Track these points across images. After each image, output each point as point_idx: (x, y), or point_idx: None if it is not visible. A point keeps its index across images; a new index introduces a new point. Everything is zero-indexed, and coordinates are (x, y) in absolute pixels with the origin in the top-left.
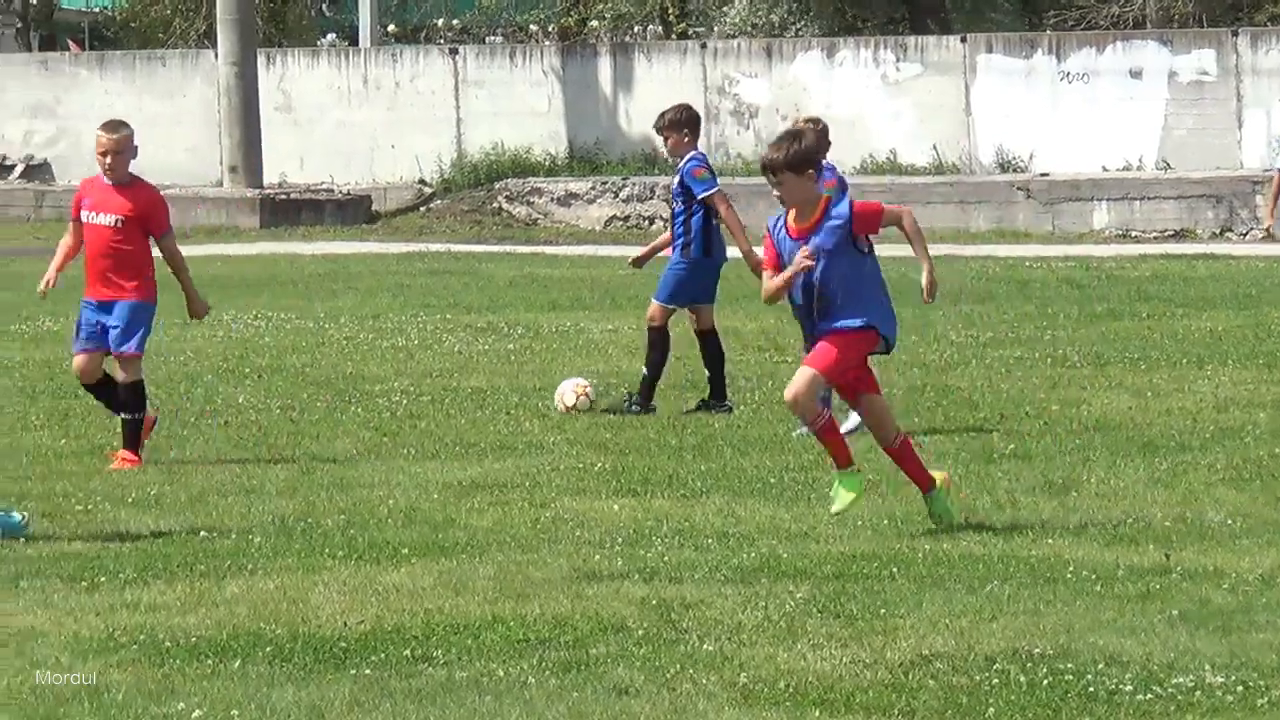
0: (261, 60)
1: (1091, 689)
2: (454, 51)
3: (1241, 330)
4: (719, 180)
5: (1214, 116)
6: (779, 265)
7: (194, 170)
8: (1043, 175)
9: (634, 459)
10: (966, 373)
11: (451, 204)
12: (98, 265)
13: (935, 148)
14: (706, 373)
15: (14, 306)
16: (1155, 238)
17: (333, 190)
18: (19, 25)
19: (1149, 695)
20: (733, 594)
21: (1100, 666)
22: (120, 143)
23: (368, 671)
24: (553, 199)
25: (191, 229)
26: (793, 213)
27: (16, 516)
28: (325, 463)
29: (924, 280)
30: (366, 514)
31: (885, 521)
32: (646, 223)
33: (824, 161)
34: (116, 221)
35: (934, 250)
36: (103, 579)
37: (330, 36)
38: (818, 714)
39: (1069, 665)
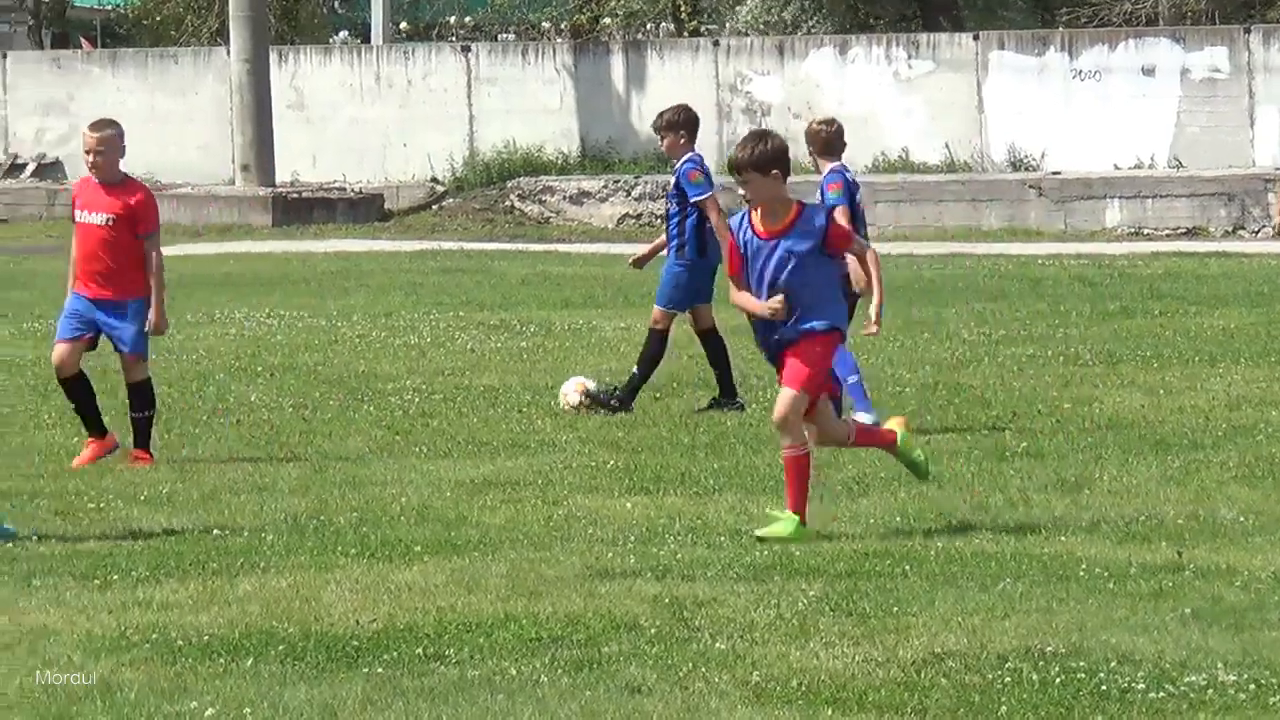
0: (274, 58)
1: (1104, 687)
2: (466, 49)
3: (1254, 328)
4: (720, 182)
5: (1226, 114)
6: (741, 265)
7: (206, 168)
8: (1055, 173)
9: (646, 457)
10: (979, 371)
11: (464, 202)
12: (90, 265)
13: (947, 145)
14: (714, 372)
15: (27, 305)
16: (1167, 235)
17: (345, 188)
18: (31, 23)
19: (1161, 693)
20: (745, 592)
21: (1113, 664)
22: (105, 141)
23: (380, 670)
24: (565, 197)
25: (204, 227)
26: (759, 212)
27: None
28: (337, 461)
29: (872, 310)
30: (379, 512)
31: (897, 519)
32: (659, 221)
33: (836, 164)
34: (107, 220)
35: (946, 249)
36: (115, 577)
37: (342, 34)
38: (830, 712)
39: (1081, 663)
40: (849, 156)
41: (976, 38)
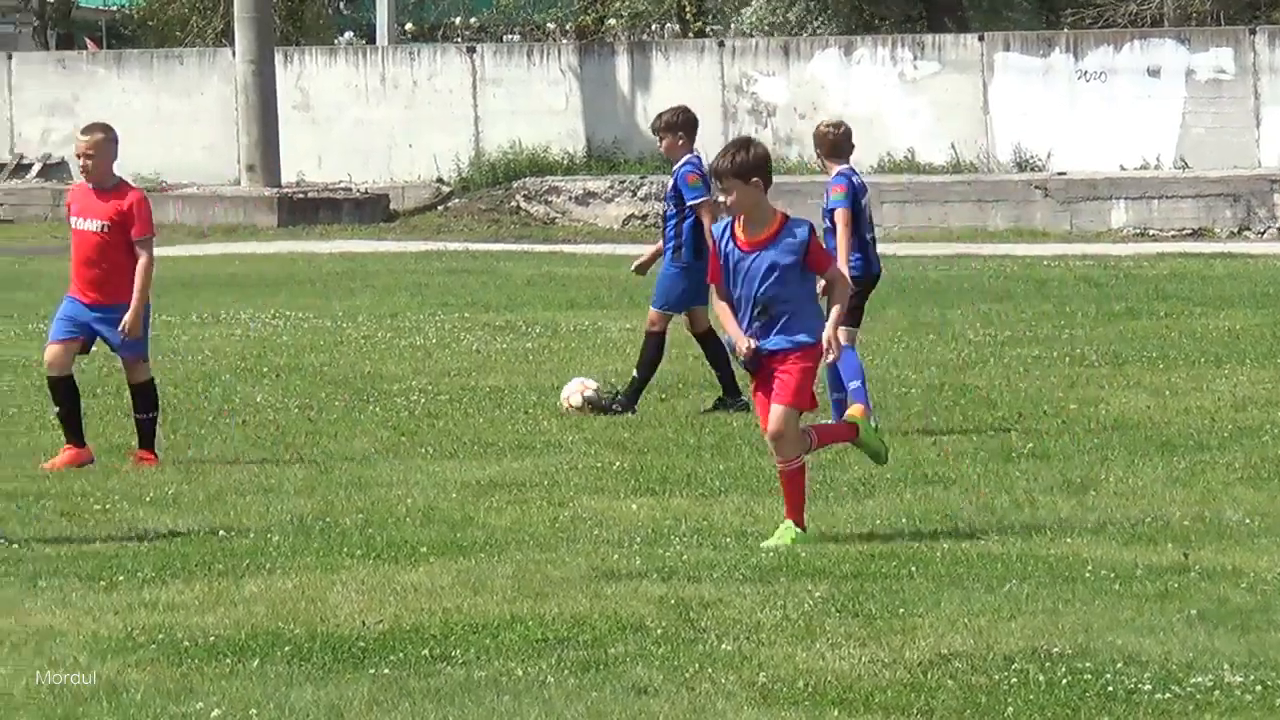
0: (279, 59)
1: (1110, 688)
2: (472, 50)
3: (1259, 329)
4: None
5: (1232, 115)
6: (722, 273)
7: (211, 169)
8: (1060, 174)
9: (652, 458)
10: (985, 372)
11: (469, 203)
12: (87, 271)
13: (953, 146)
14: (715, 372)
15: (32, 305)
16: (1173, 236)
17: (350, 189)
18: (37, 24)
19: (1167, 694)
20: (751, 593)
21: (1119, 666)
22: (95, 145)
23: (386, 671)
24: (571, 198)
25: (209, 228)
26: (741, 222)
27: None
28: (343, 462)
29: (827, 334)
30: (385, 513)
31: (903, 520)
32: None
33: (844, 166)
34: (102, 227)
35: (951, 249)
36: (121, 578)
37: (348, 35)
38: (836, 713)
39: (1087, 664)
40: (855, 157)
41: (982, 39)
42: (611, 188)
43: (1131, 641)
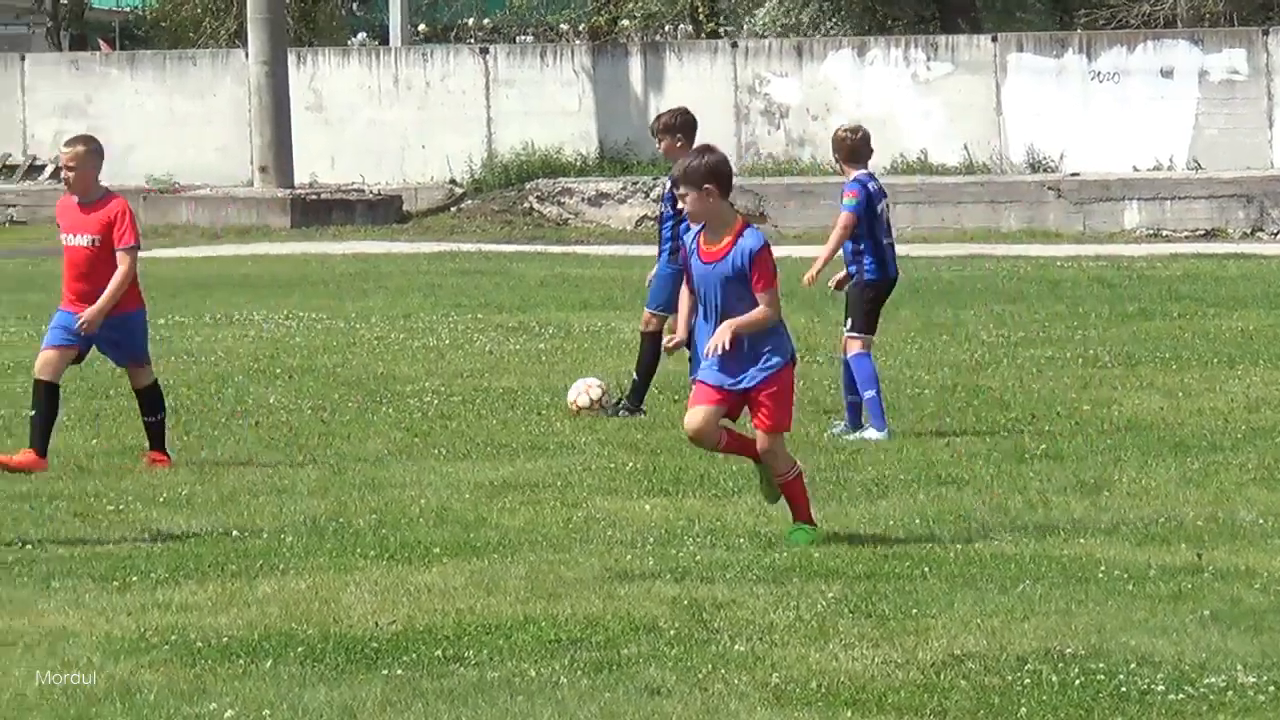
0: (292, 59)
1: (1123, 689)
2: (485, 51)
3: (1273, 330)
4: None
5: (1245, 116)
6: (692, 281)
7: (224, 170)
8: (1073, 175)
9: (665, 459)
10: (998, 373)
11: (482, 204)
12: (80, 285)
13: (966, 147)
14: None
15: (44, 308)
16: (1186, 237)
17: (363, 190)
18: (50, 25)
19: (1181, 695)
20: (764, 594)
21: (1132, 666)
22: (77, 158)
23: (399, 672)
24: (584, 199)
25: (222, 229)
26: (703, 232)
27: None
28: (356, 463)
29: (720, 336)
30: (398, 514)
31: (917, 521)
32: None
33: (861, 171)
34: (91, 241)
35: (965, 250)
36: (134, 579)
37: (361, 36)
38: (849, 714)
39: (1101, 665)
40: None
41: (995, 39)
42: (624, 189)
43: (1145, 642)
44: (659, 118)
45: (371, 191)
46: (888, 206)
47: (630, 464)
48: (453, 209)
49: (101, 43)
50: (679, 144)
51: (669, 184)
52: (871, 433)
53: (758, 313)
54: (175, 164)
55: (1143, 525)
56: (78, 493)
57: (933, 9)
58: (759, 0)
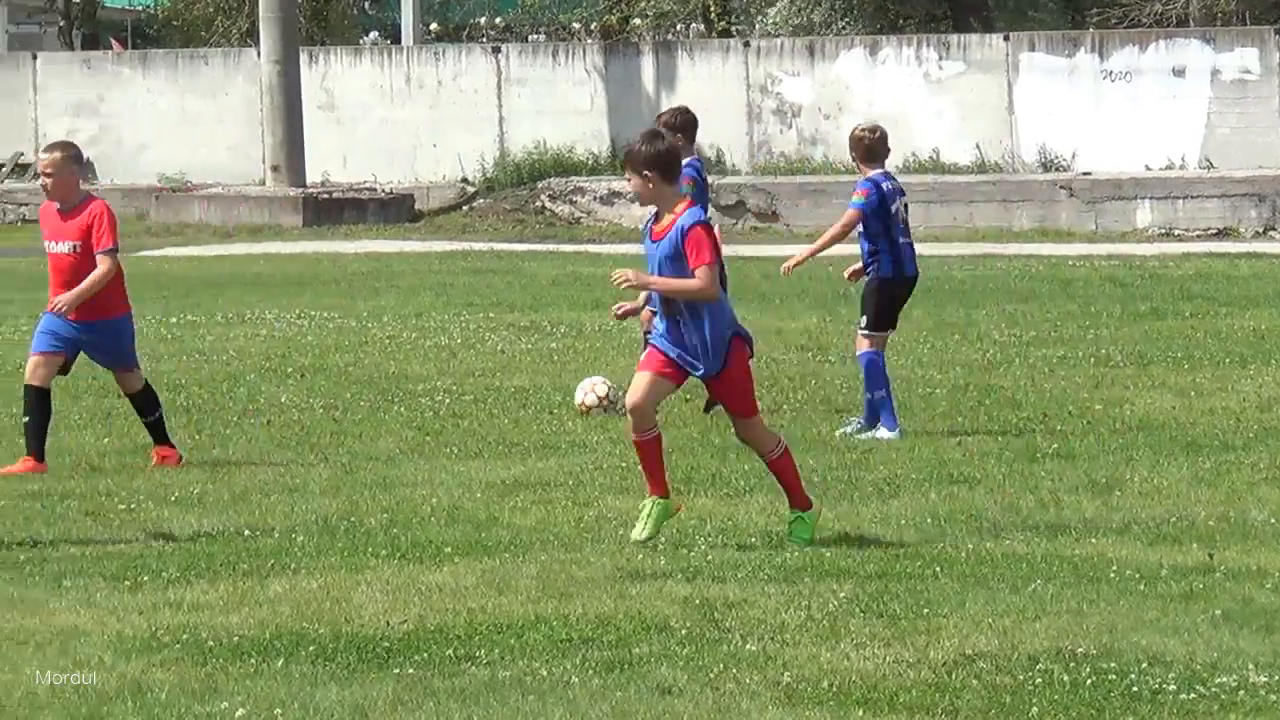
0: (304, 59)
1: (1135, 688)
2: (496, 50)
3: None
4: (751, 182)
5: (1257, 115)
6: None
7: (236, 169)
8: (1085, 174)
9: (677, 458)
10: (1009, 372)
11: (494, 203)
12: (64, 292)
13: (978, 146)
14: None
15: None
16: (1198, 236)
17: (375, 189)
18: (62, 24)
19: (1192, 695)
20: (776, 593)
21: (1144, 666)
22: (53, 164)
23: (411, 671)
24: (595, 198)
25: (234, 228)
26: (656, 214)
27: None
28: (368, 462)
29: (636, 279)
30: (409, 513)
31: (928, 520)
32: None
33: (877, 170)
34: (73, 248)
35: (977, 249)
36: (146, 578)
37: (373, 35)
38: (861, 713)
39: (1112, 665)
40: None
41: (1007, 38)
42: None
43: (1156, 642)
44: (659, 117)
45: (383, 190)
46: (904, 206)
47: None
48: (465, 208)
49: (113, 42)
50: (679, 143)
51: None
52: (883, 432)
53: (689, 281)
54: (187, 163)
55: (1154, 525)
56: (89, 492)
57: (945, 8)
58: None
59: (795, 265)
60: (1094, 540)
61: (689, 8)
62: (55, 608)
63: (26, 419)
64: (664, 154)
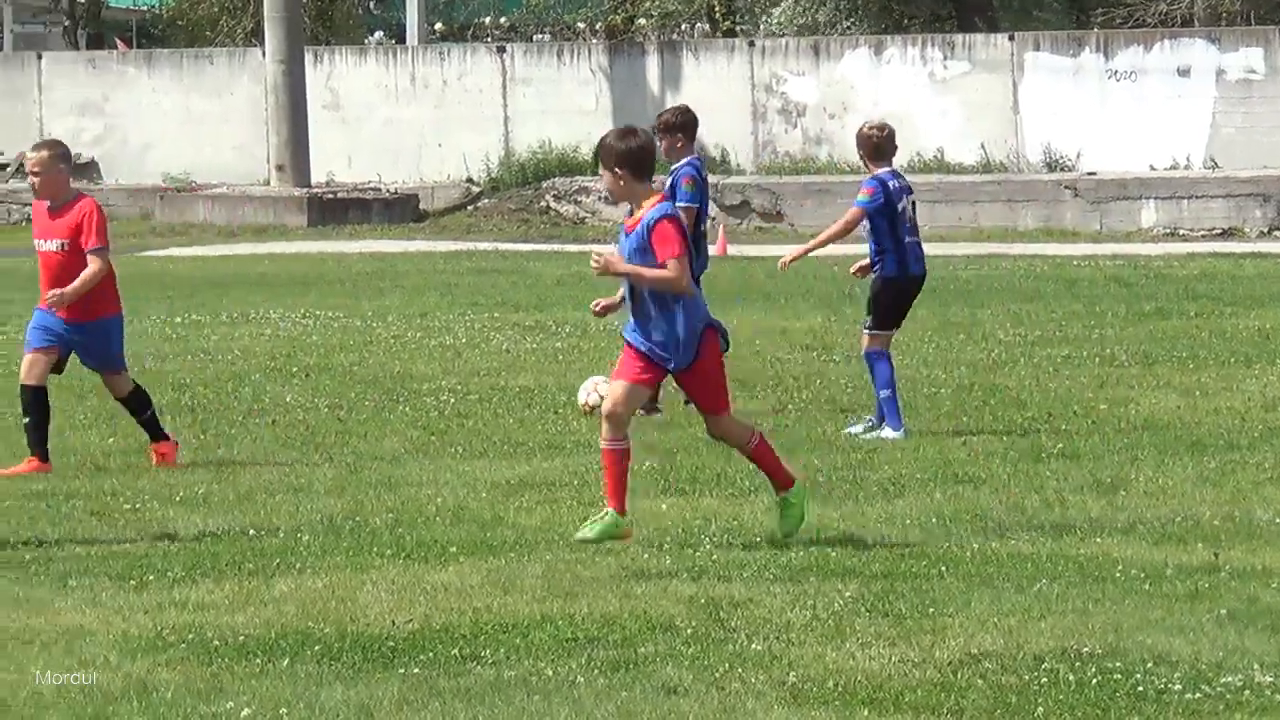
0: (309, 58)
1: (1140, 688)
2: (502, 50)
3: None
4: (757, 181)
5: (1262, 115)
6: None
7: (241, 169)
8: (1090, 174)
9: (682, 458)
10: (1014, 372)
11: (499, 202)
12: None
13: (983, 146)
14: None
15: None
16: (1203, 236)
17: (380, 189)
18: (67, 24)
19: (1198, 694)
20: (781, 593)
21: (1149, 665)
22: (41, 163)
23: (416, 670)
24: (600, 197)
25: (239, 228)
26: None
27: None
28: (373, 461)
29: (614, 263)
30: (414, 513)
31: (933, 520)
32: None
33: (884, 169)
34: (61, 246)
35: (981, 249)
36: (151, 578)
37: (378, 34)
38: (866, 713)
39: (1118, 664)
40: None
41: (1012, 38)
42: None
43: (1161, 641)
44: (660, 116)
45: (388, 190)
46: (912, 204)
47: (647, 463)
48: (469, 208)
49: (118, 41)
50: (679, 143)
51: (669, 183)
52: (888, 432)
53: (660, 271)
54: (192, 162)
55: (1159, 524)
56: (94, 491)
57: (949, 8)
58: None
59: (792, 261)
60: (1099, 540)
61: (694, 8)
62: (60, 607)
63: (26, 419)
64: (635, 151)
